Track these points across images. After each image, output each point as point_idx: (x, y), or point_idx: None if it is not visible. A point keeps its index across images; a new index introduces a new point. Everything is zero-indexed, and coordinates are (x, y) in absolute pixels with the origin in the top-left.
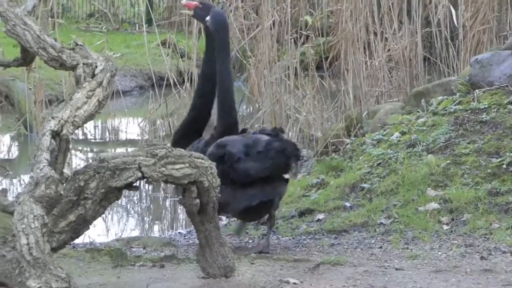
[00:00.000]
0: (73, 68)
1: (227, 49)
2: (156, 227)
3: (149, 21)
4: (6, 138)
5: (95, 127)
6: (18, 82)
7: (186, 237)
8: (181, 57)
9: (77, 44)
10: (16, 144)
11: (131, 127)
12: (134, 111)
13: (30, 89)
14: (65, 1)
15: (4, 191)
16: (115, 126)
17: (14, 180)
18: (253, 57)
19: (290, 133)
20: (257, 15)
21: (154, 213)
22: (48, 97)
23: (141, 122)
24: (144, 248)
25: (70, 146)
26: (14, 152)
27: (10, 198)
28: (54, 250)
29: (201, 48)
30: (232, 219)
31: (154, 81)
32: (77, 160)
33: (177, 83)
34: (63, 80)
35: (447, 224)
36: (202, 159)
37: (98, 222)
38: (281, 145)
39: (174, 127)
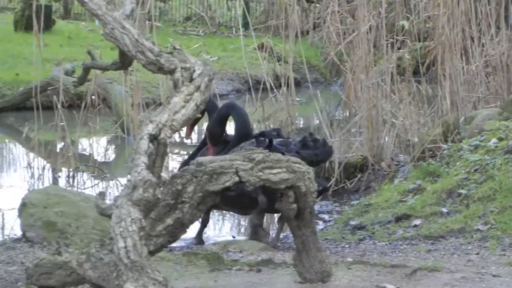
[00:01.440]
0: (171, 72)
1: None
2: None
3: (245, 25)
4: (103, 141)
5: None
6: (116, 85)
7: (282, 241)
8: (278, 61)
9: (175, 48)
10: (113, 146)
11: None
12: None
13: (127, 92)
14: (163, 5)
15: (102, 194)
16: None
17: (111, 183)
18: (350, 62)
19: (386, 138)
20: (353, 19)
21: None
22: (145, 100)
23: None
24: (241, 252)
25: (168, 150)
26: (111, 155)
27: (108, 201)
28: (151, 253)
29: (297, 52)
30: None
31: (251, 84)
32: (174, 163)
33: (273, 87)
34: (160, 83)
35: None
36: (300, 164)
37: (195, 225)
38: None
39: None
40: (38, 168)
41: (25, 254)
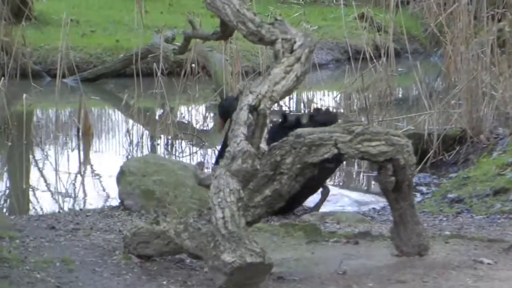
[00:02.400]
0: (272, 43)
1: None
2: (349, 202)
3: None
4: (202, 109)
5: (290, 99)
6: (216, 53)
7: (380, 213)
8: (378, 31)
9: (276, 19)
10: (212, 114)
11: (326, 101)
12: (329, 85)
13: (227, 60)
14: None
15: (201, 164)
16: (311, 99)
17: (210, 151)
18: (450, 33)
19: (486, 110)
20: None
21: (348, 188)
22: (245, 68)
23: (337, 96)
24: (338, 223)
25: (267, 121)
26: (210, 123)
27: (206, 170)
28: (249, 224)
29: (398, 23)
30: None
31: (350, 54)
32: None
33: (373, 57)
34: (259, 52)
35: None
36: (399, 136)
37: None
38: None
39: (369, 101)
40: (137, 136)
41: (123, 223)
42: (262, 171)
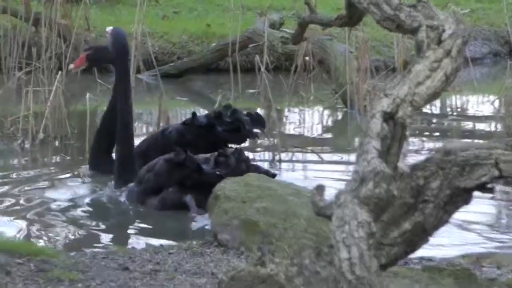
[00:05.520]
0: (413, 31)
1: (128, 77)
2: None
3: None
4: (318, 115)
5: (431, 104)
6: (337, 43)
7: None
8: None
9: (419, 0)
10: (330, 122)
11: (481, 107)
12: (485, 86)
13: (352, 52)
14: None
15: (319, 188)
16: (461, 105)
17: (329, 170)
18: None
19: None
20: None
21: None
22: (375, 63)
23: (494, 100)
24: (498, 268)
25: (407, 133)
26: (328, 134)
27: (327, 196)
28: (383, 267)
29: None
30: None
31: None
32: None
33: None
34: (394, 41)
35: None
36: None
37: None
38: None
39: None
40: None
41: (217, 263)
42: (400, 197)
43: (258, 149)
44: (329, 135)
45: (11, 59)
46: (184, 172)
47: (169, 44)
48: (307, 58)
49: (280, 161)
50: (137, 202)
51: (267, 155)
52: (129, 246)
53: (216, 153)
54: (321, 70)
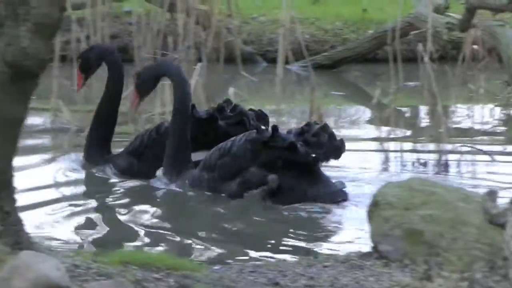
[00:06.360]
0: None
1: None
2: None
3: None
4: (490, 109)
5: None
6: (509, 30)
7: None
8: None
9: None
10: (503, 118)
11: None
12: None
13: None
14: None
15: (492, 193)
16: None
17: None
18: None
19: None
20: None
21: None
22: None
23: None
24: None
25: None
26: (500, 130)
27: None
28: None
29: None
30: None
31: None
32: None
33: None
34: None
35: None
36: None
37: None
38: None
39: None
40: (394, 149)
41: (378, 277)
42: None
43: (420, 148)
44: (501, 134)
45: (144, 49)
46: (272, 152)
47: (321, 31)
48: (476, 46)
49: (447, 162)
50: (208, 191)
51: (432, 156)
52: (280, 258)
53: (299, 127)
54: (491, 59)
